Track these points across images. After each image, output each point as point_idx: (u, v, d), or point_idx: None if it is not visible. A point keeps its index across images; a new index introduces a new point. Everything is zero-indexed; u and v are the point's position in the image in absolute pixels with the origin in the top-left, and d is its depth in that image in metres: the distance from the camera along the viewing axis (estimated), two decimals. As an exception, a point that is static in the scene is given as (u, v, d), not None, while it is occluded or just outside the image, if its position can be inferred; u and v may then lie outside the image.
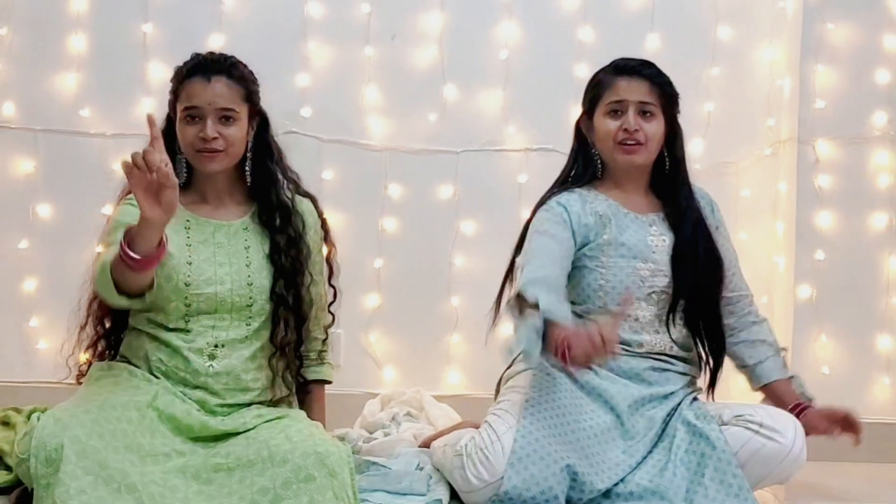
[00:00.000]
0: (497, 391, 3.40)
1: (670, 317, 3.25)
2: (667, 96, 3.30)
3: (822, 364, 4.08)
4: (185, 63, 3.22)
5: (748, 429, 3.07)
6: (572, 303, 3.30)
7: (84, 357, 3.33)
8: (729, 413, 3.14)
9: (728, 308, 3.39)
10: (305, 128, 4.28)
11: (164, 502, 2.80)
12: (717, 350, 3.33)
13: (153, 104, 4.24)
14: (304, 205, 3.29)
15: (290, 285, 3.17)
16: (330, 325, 3.39)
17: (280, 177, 3.28)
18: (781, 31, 4.29)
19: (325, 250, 3.37)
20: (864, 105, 4.13)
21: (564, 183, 3.41)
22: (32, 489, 2.79)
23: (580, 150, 3.42)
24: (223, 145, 3.13)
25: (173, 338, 3.11)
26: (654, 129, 3.27)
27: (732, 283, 3.40)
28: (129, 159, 2.70)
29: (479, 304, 4.24)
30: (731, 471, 3.01)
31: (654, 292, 3.23)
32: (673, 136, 3.33)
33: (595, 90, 3.36)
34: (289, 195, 3.26)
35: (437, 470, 3.21)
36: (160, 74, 4.26)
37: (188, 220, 3.18)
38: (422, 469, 3.18)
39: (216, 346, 3.12)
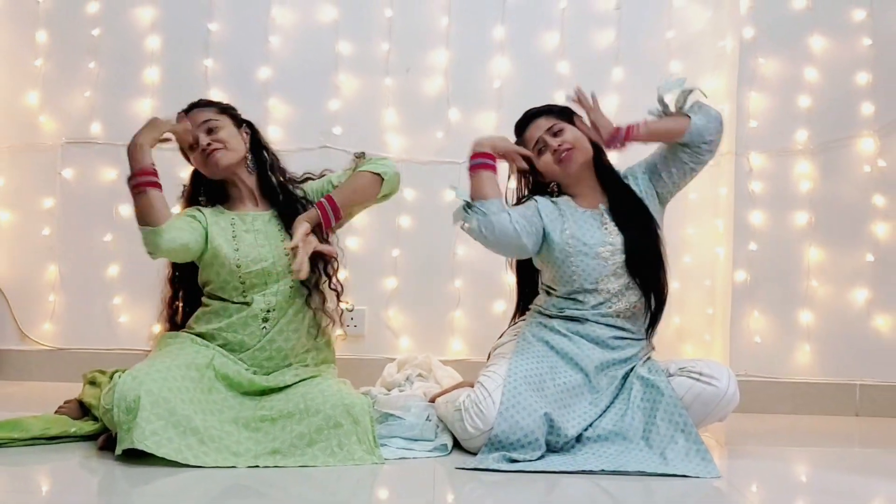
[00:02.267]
0: (488, 358, 3.41)
1: (628, 283, 3.25)
2: (560, 113, 3.39)
3: (755, 334, 4.08)
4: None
5: (690, 377, 3.08)
6: (552, 288, 3.32)
7: (158, 328, 3.36)
8: (675, 366, 3.15)
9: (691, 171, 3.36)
10: (337, 143, 4.27)
11: (221, 443, 2.83)
12: (658, 295, 3.27)
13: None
14: (308, 185, 3.38)
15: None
16: None
17: (279, 177, 3.35)
18: (722, 65, 4.28)
19: None
20: (789, 125, 4.12)
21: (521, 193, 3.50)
22: (115, 434, 2.81)
23: (535, 189, 3.47)
24: (218, 144, 3.24)
25: (236, 309, 3.18)
26: (571, 134, 3.31)
27: (670, 168, 3.37)
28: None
29: (477, 286, 4.28)
30: (678, 412, 3.01)
31: (618, 267, 3.23)
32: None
33: (518, 134, 3.45)
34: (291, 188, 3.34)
35: (442, 421, 3.22)
36: (218, 99, 4.25)
37: (233, 219, 3.26)
38: (430, 420, 3.18)
39: (269, 310, 3.16)
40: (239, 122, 3.36)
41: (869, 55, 4.11)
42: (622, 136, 3.27)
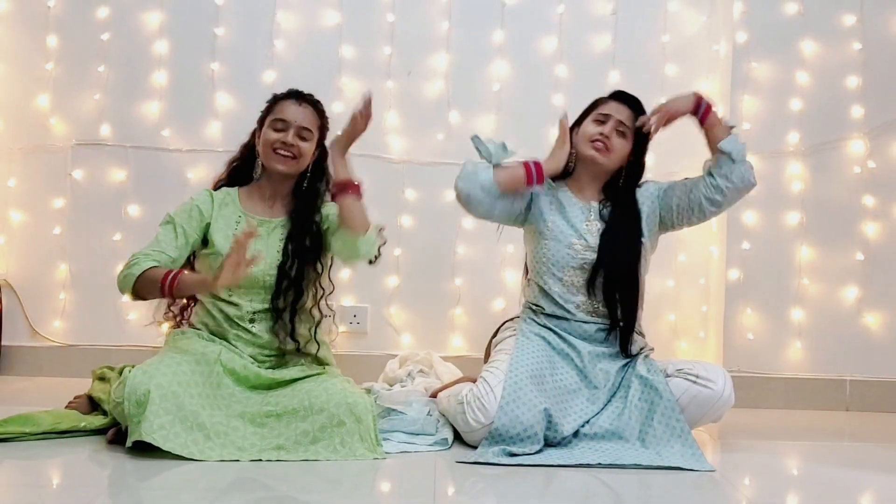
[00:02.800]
0: (487, 353, 3.41)
1: (591, 283, 3.22)
2: (637, 126, 3.30)
3: (747, 331, 4.08)
4: (281, 93, 3.30)
5: (687, 379, 3.08)
6: (532, 266, 3.35)
7: (166, 326, 3.35)
8: (672, 367, 3.15)
9: (699, 210, 3.31)
10: (339, 145, 4.28)
11: (227, 438, 2.83)
12: (628, 317, 3.23)
13: (220, 126, 4.28)
14: (331, 208, 3.25)
15: (300, 267, 3.16)
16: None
17: (322, 196, 3.28)
18: (716, 69, 4.28)
19: None
20: (781, 127, 4.12)
21: None
22: (125, 428, 2.81)
23: None
24: (296, 153, 3.19)
25: (225, 307, 3.16)
26: (621, 144, 3.28)
27: (683, 199, 3.32)
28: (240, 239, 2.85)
29: (476, 285, 4.28)
30: (675, 416, 3.02)
31: (585, 263, 3.23)
32: (635, 160, 3.34)
33: (591, 106, 3.37)
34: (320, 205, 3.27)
35: (443, 416, 3.22)
36: (225, 102, 4.29)
37: (239, 216, 3.21)
38: (431, 415, 3.18)
39: (254, 312, 3.14)
40: (322, 139, 3.30)
41: (859, 59, 4.11)
42: (704, 105, 3.26)
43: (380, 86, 4.32)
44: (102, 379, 3.32)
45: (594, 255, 3.23)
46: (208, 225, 3.19)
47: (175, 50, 4.33)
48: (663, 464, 2.86)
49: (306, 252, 3.19)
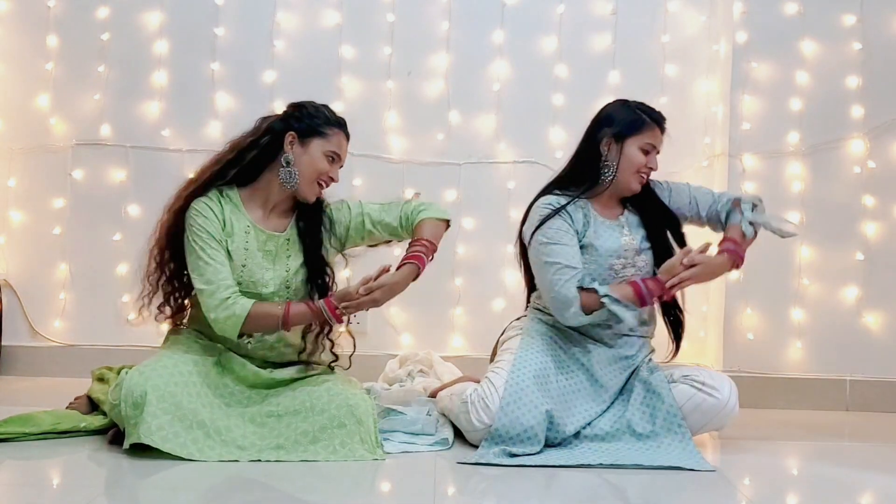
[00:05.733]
0: (493, 353, 3.39)
1: None
2: None
3: (748, 331, 4.07)
4: (332, 112, 3.13)
5: (692, 386, 3.06)
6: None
7: (164, 325, 3.31)
8: (678, 373, 3.14)
9: (706, 219, 3.32)
10: (339, 145, 4.28)
11: (227, 436, 2.82)
12: (675, 322, 3.28)
13: (220, 126, 4.27)
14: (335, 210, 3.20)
15: (317, 277, 3.09)
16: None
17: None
18: (716, 69, 4.28)
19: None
20: (780, 127, 4.11)
21: (562, 181, 3.27)
22: (124, 429, 2.81)
23: (589, 159, 3.24)
24: (333, 183, 3.12)
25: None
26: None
27: (696, 205, 3.31)
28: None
29: (477, 285, 4.28)
30: (677, 421, 3.01)
31: (624, 279, 3.17)
32: None
33: (635, 125, 3.19)
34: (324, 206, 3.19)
35: (443, 415, 3.21)
36: (225, 102, 4.30)
37: (248, 226, 3.05)
38: (430, 415, 3.17)
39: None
40: None
41: (859, 59, 4.10)
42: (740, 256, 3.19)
43: (380, 86, 4.33)
44: (102, 380, 3.31)
45: (634, 269, 3.19)
46: (228, 239, 3.03)
47: (175, 50, 4.33)
48: (664, 464, 2.86)
49: (323, 268, 3.11)
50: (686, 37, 4.35)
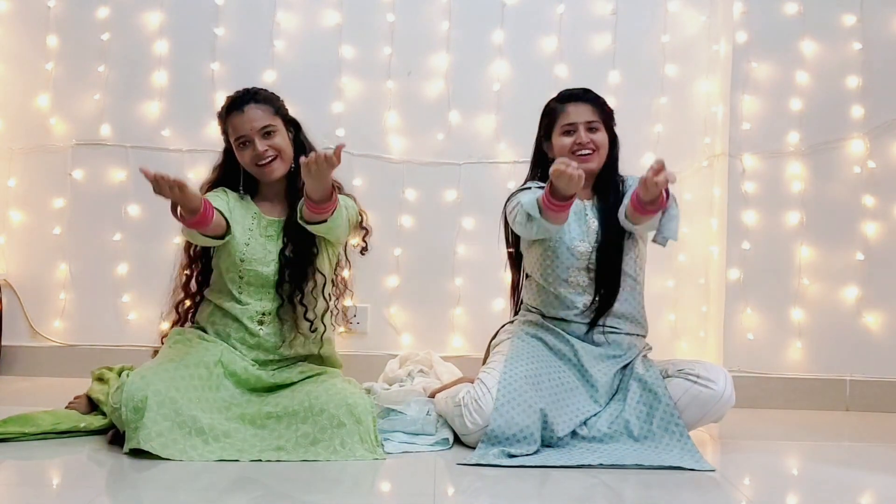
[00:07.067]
0: (486, 355, 3.40)
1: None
2: (605, 113, 3.31)
3: (747, 331, 4.07)
4: (222, 106, 3.23)
5: (688, 379, 3.07)
6: (527, 275, 3.35)
7: (165, 325, 3.34)
8: (673, 367, 3.14)
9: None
10: (340, 145, 4.28)
11: (227, 441, 2.82)
12: (607, 292, 3.20)
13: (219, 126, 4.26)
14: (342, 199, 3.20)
15: (299, 260, 3.14)
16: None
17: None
18: (715, 68, 4.28)
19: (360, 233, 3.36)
20: (780, 127, 4.11)
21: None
22: (123, 431, 2.81)
23: (539, 165, 3.39)
24: (273, 153, 3.16)
25: (232, 307, 3.14)
26: (601, 138, 3.27)
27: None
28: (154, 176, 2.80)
29: (477, 284, 4.27)
30: (675, 420, 3.01)
31: (590, 263, 3.22)
32: (613, 143, 3.33)
33: (549, 116, 3.34)
34: None
35: (442, 416, 3.21)
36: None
37: (255, 213, 3.21)
38: (430, 415, 3.17)
39: (264, 314, 3.13)
40: (287, 121, 3.25)
41: (859, 59, 4.10)
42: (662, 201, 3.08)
43: (380, 86, 4.33)
44: (101, 380, 3.31)
45: (596, 253, 3.22)
46: (230, 211, 3.15)
47: (175, 50, 4.34)
48: (664, 464, 2.86)
49: (304, 241, 3.14)
50: (686, 37, 4.35)
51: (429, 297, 4.29)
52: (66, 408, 3.25)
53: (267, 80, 4.27)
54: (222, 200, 3.15)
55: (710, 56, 4.32)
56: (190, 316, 3.29)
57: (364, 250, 3.39)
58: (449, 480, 2.71)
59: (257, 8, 4.33)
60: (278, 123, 3.19)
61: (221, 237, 3.10)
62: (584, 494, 2.65)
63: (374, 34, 4.34)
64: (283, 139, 3.19)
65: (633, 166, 4.19)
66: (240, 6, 4.34)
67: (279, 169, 3.18)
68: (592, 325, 3.21)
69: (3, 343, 4.22)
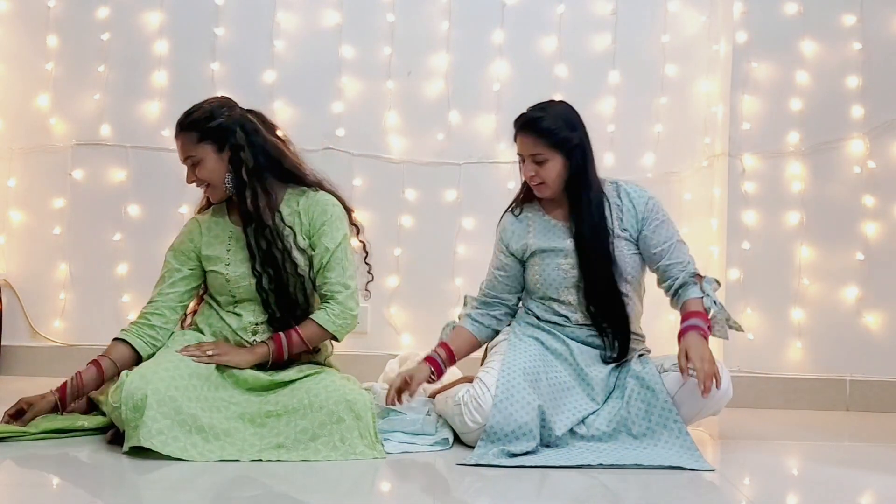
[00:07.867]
0: (484, 355, 3.41)
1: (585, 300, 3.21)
2: (553, 138, 3.15)
3: (748, 331, 4.06)
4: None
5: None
6: (529, 291, 3.33)
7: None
8: (669, 362, 3.12)
9: (660, 276, 3.25)
10: (340, 145, 4.28)
11: (227, 440, 2.82)
12: (617, 325, 3.19)
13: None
14: (309, 199, 3.21)
15: (272, 270, 3.10)
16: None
17: (255, 185, 3.10)
18: (716, 69, 4.28)
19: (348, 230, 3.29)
20: (780, 127, 4.11)
21: (518, 197, 3.38)
22: (123, 430, 2.81)
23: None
24: (202, 183, 3.14)
25: (229, 318, 3.16)
26: (549, 170, 3.16)
27: (662, 257, 3.21)
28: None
29: (477, 284, 4.24)
30: (673, 417, 3.01)
31: (577, 281, 3.20)
32: (575, 161, 3.17)
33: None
34: (263, 200, 3.11)
35: (441, 416, 3.21)
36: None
37: (231, 232, 3.18)
38: (430, 415, 3.17)
39: (257, 324, 3.13)
40: (221, 140, 3.10)
41: (859, 59, 4.10)
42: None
43: (380, 86, 4.33)
44: (102, 380, 3.31)
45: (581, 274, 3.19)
46: (198, 255, 3.18)
47: (175, 50, 4.34)
48: (664, 463, 2.86)
49: (269, 246, 3.09)
50: (686, 37, 4.35)
51: (429, 297, 4.29)
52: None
53: (267, 80, 4.28)
54: (188, 246, 3.19)
55: (710, 56, 4.32)
56: (189, 321, 3.30)
57: (365, 255, 3.37)
58: (449, 480, 2.71)
59: (257, 8, 4.33)
60: (201, 151, 3.08)
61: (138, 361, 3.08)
62: (583, 494, 2.65)
63: (374, 34, 4.34)
64: (207, 166, 3.09)
65: (633, 166, 4.23)
66: (240, 6, 4.34)
67: (214, 193, 3.16)
68: (622, 355, 3.21)
69: (3, 343, 4.23)
